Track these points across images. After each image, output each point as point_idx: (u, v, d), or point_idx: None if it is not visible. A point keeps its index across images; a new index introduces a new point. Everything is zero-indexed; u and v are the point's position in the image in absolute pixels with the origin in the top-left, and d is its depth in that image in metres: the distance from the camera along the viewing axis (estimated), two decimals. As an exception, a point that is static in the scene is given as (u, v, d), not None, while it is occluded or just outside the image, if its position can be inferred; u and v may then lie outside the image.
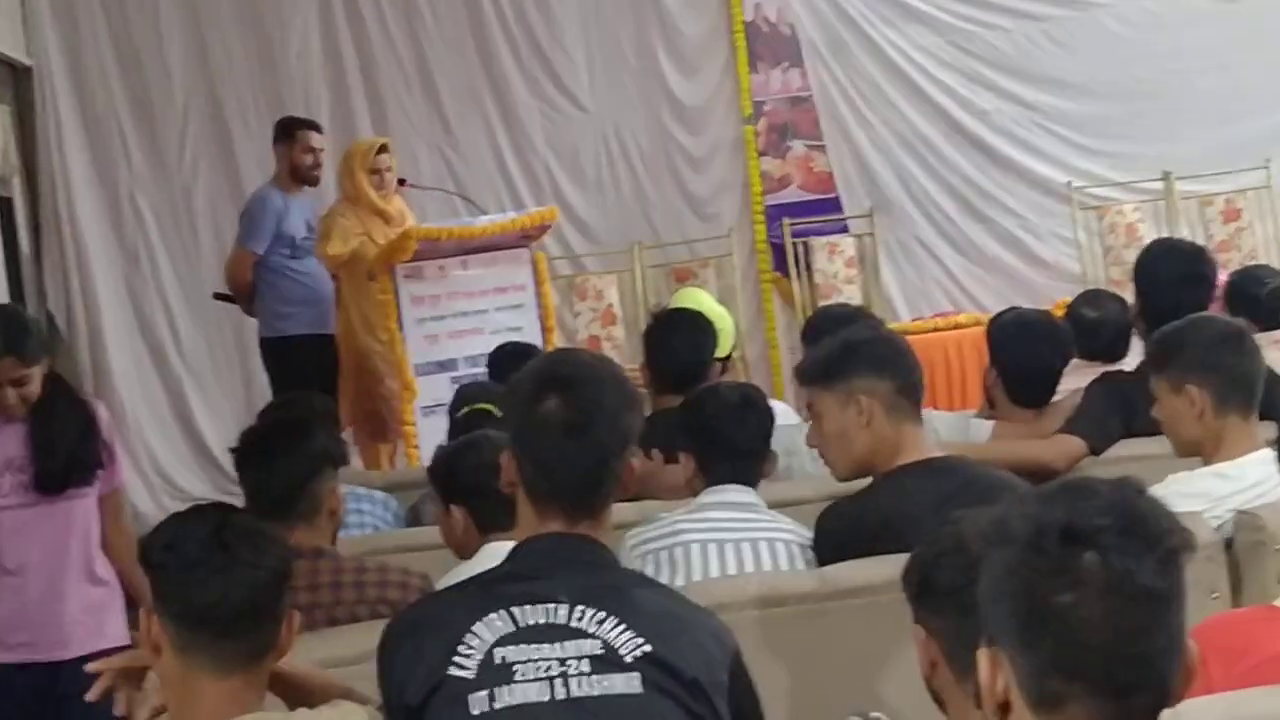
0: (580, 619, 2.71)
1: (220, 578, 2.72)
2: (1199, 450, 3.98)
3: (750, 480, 4.11)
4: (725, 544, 3.90)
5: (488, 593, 2.77)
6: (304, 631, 3.62)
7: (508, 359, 6.21)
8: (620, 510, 4.32)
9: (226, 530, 2.76)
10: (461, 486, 3.96)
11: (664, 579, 3.78)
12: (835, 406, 3.88)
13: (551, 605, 2.71)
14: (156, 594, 2.79)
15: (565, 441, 2.78)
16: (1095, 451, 4.88)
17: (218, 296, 9.43)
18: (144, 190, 10.42)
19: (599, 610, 2.71)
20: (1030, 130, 10.73)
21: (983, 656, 1.90)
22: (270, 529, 2.89)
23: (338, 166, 8.76)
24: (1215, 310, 5.45)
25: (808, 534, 4.00)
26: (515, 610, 2.71)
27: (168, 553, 2.78)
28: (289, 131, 8.71)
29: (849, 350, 3.95)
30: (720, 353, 5.71)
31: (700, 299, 6.86)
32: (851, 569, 3.75)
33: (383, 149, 8.59)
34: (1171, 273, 5.34)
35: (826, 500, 4.12)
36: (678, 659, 2.71)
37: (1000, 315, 5.64)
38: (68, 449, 5.01)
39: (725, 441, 4.14)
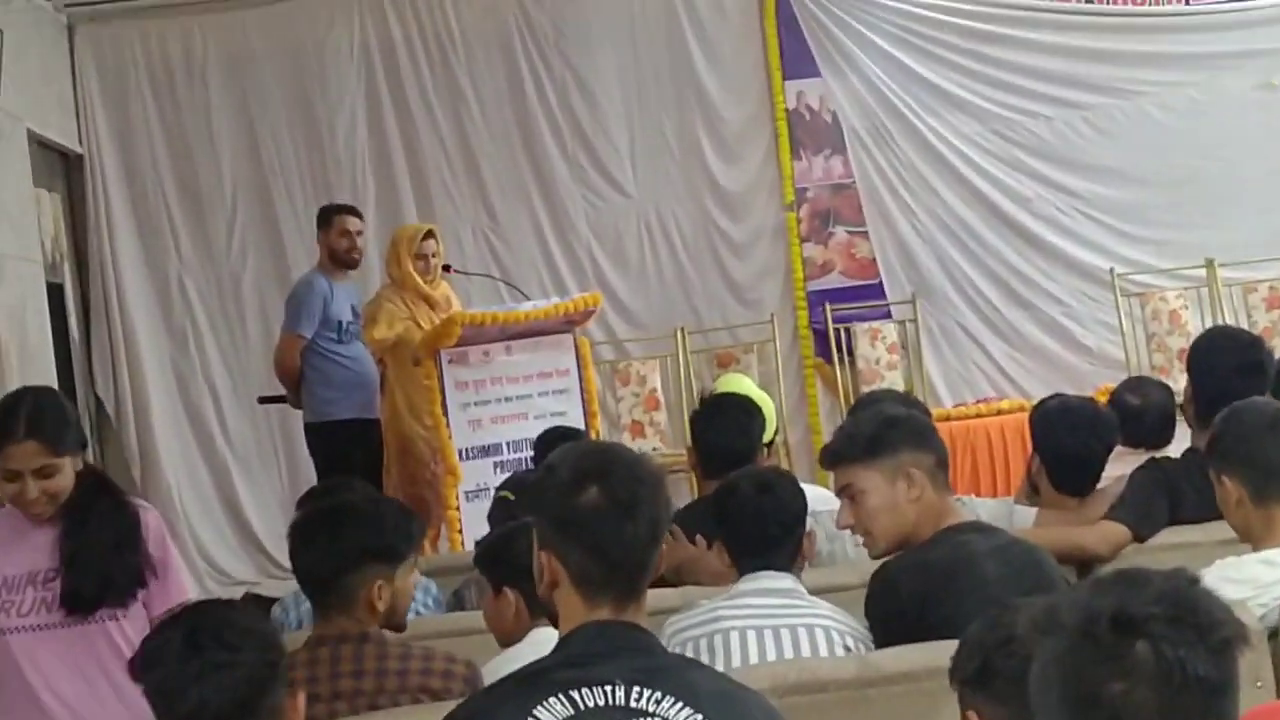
0: (639, 699, 2.70)
1: (196, 686, 2.73)
2: (1248, 537, 3.97)
3: (783, 565, 4.10)
4: (764, 630, 3.89)
5: (541, 680, 2.75)
6: (347, 716, 3.65)
7: (555, 443, 6.18)
8: (664, 596, 4.34)
9: (199, 633, 2.77)
10: (516, 568, 3.95)
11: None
12: (882, 482, 3.94)
13: (609, 687, 2.70)
14: (149, 702, 2.81)
15: (620, 522, 2.78)
16: (1140, 538, 4.87)
17: (264, 400, 9.49)
18: (192, 276, 10.51)
19: (657, 690, 2.71)
20: (1073, 217, 10.74)
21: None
22: (251, 617, 2.87)
23: (384, 252, 8.83)
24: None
25: (849, 620, 3.99)
26: (574, 693, 2.70)
27: (145, 668, 2.80)
28: (326, 217, 8.78)
29: (892, 425, 4.03)
30: (764, 439, 5.71)
31: (743, 384, 6.87)
32: (893, 656, 3.74)
33: (429, 235, 8.65)
34: (1227, 362, 5.29)
35: (860, 587, 4.13)
36: None
37: (1043, 402, 5.62)
38: (101, 561, 4.31)
39: (748, 530, 4.15)
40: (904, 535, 3.95)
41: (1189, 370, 5.37)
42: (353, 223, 8.75)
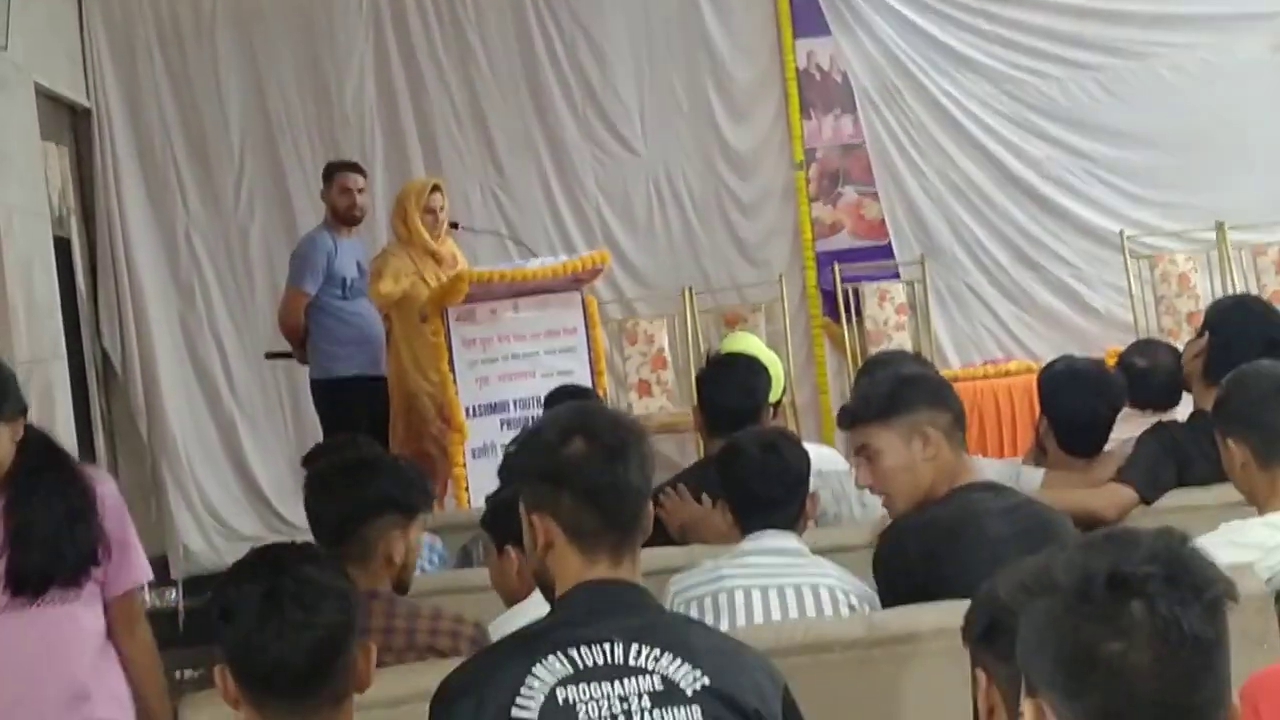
0: (638, 657, 2.74)
1: (277, 643, 2.74)
2: (1254, 500, 3.97)
3: (787, 524, 4.11)
4: (769, 589, 3.90)
5: (542, 639, 2.78)
6: None
7: (564, 400, 6.20)
8: (669, 555, 4.35)
9: (279, 591, 2.77)
10: (520, 528, 3.95)
11: (708, 624, 3.78)
12: (898, 441, 3.94)
13: (608, 645, 2.74)
14: (224, 655, 2.81)
15: (610, 467, 2.83)
16: (1147, 501, 4.87)
17: (270, 355, 9.51)
18: (200, 231, 10.50)
19: (655, 647, 2.74)
20: (1083, 179, 10.72)
21: (1028, 706, 1.90)
22: (329, 574, 2.87)
23: (391, 208, 8.83)
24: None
25: (853, 580, 4.01)
26: (572, 652, 2.73)
27: (225, 620, 2.79)
28: (328, 174, 8.82)
29: (908, 384, 4.06)
30: (770, 398, 5.71)
31: (751, 343, 6.86)
32: (899, 616, 3.76)
33: (435, 189, 8.64)
34: (1254, 333, 5.19)
35: (872, 546, 4.13)
36: (736, 691, 2.75)
37: (1051, 364, 5.62)
38: (50, 537, 3.92)
39: (752, 489, 4.16)
40: (922, 493, 3.95)
41: (1210, 331, 5.28)
42: (354, 180, 8.76)
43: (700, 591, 3.93)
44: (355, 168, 8.94)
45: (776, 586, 3.91)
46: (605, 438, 2.85)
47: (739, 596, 3.90)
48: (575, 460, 2.83)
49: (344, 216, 8.69)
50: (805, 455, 4.29)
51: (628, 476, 2.84)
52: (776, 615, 3.87)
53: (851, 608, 3.93)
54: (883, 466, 3.99)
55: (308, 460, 5.59)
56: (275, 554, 2.92)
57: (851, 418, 4.11)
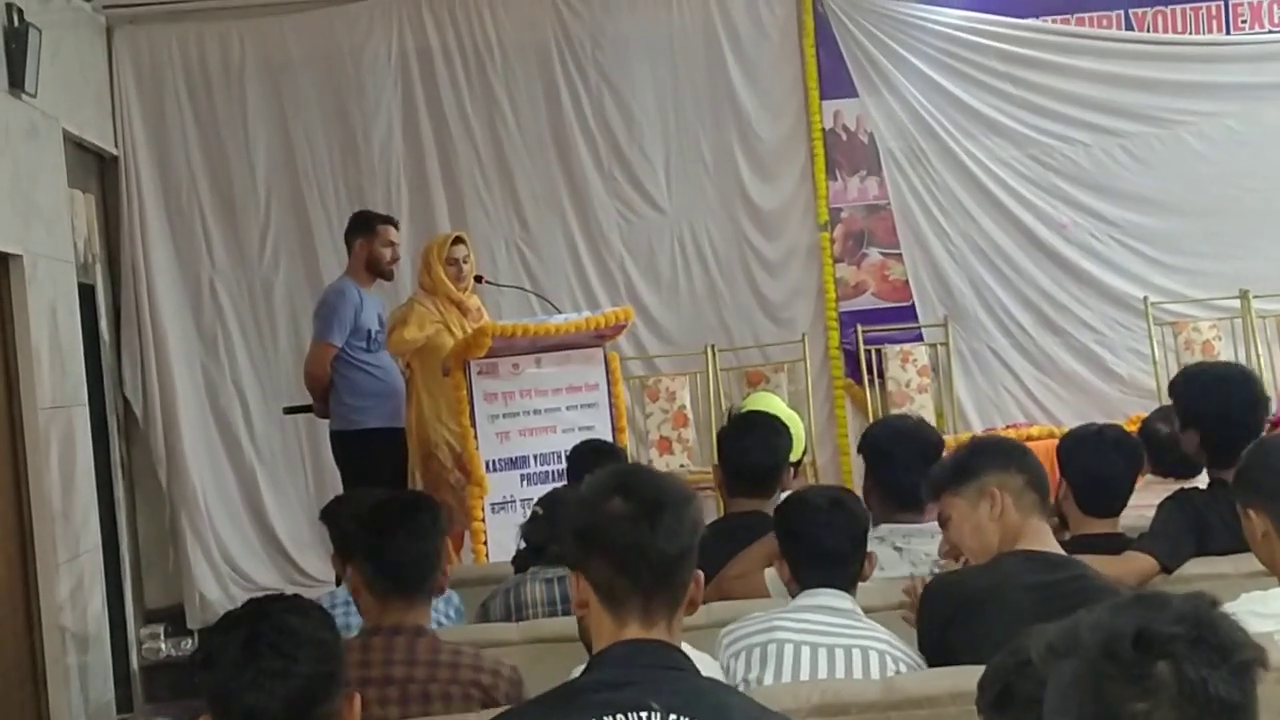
0: None
1: (253, 691, 2.76)
2: (1274, 570, 3.95)
3: (844, 584, 4.10)
4: (819, 647, 3.89)
5: (576, 702, 2.74)
6: (398, 703, 3.73)
7: (587, 456, 6.18)
8: (717, 609, 4.34)
9: (258, 639, 2.79)
10: None
11: (755, 674, 3.84)
12: (966, 506, 4.08)
13: (645, 714, 2.69)
14: (205, 702, 2.83)
15: (640, 530, 2.78)
16: (1167, 570, 4.84)
17: (289, 410, 9.50)
18: (224, 280, 10.53)
19: (692, 717, 2.69)
20: (1107, 244, 10.71)
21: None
22: (312, 624, 2.88)
23: (416, 261, 8.84)
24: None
25: (903, 645, 4.00)
26: (608, 719, 2.68)
27: (204, 667, 2.82)
28: (369, 225, 8.77)
29: (978, 450, 4.21)
30: (791, 458, 5.70)
31: (772, 404, 6.86)
32: (917, 679, 3.74)
33: (458, 240, 8.67)
34: (1236, 399, 5.19)
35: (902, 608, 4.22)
36: None
37: (1069, 433, 5.59)
38: None
39: (814, 546, 4.14)
40: (991, 552, 4.04)
41: (1189, 416, 5.26)
42: (394, 234, 8.78)
43: (753, 641, 3.92)
44: (394, 221, 8.96)
45: (828, 646, 3.90)
46: (639, 500, 2.80)
47: (789, 650, 3.89)
48: (605, 521, 2.81)
49: (383, 270, 8.69)
50: (867, 515, 4.30)
51: (656, 541, 2.78)
52: (824, 673, 3.86)
53: (899, 674, 3.90)
54: (955, 529, 4.13)
55: (328, 513, 5.59)
56: (260, 603, 2.95)
57: (933, 489, 4.27)
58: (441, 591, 4.16)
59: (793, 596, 4.14)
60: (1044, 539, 4.05)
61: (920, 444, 5.02)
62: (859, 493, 4.74)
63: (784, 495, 4.76)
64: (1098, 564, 4.80)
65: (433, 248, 8.64)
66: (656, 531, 2.78)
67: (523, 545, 5.36)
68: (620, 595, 2.80)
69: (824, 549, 4.12)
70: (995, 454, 4.15)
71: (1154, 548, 4.89)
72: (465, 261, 8.60)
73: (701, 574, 2.90)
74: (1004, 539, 4.01)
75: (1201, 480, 5.48)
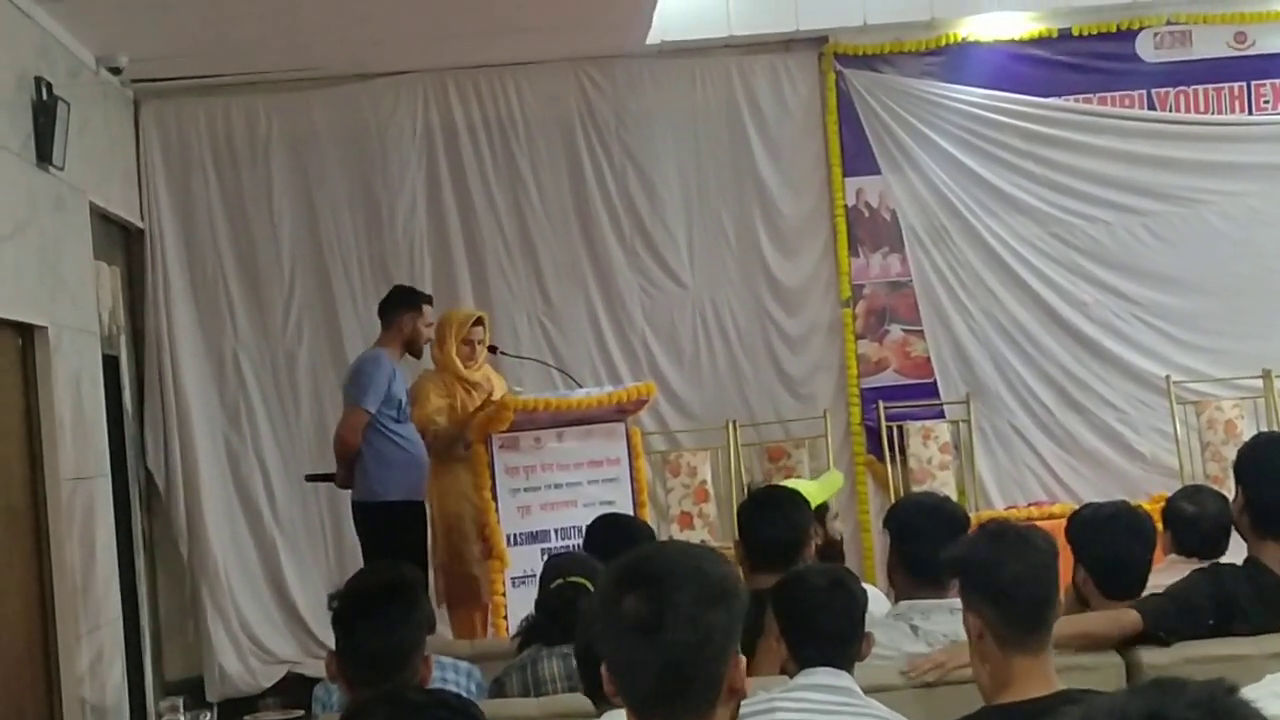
0: None
1: None
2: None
3: (842, 663, 4.07)
4: None
5: None
6: None
7: (604, 530, 6.19)
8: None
9: None
10: None
11: None
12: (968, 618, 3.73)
13: None
14: None
15: (639, 642, 2.55)
16: (1152, 629, 4.80)
17: (311, 478, 9.49)
18: (247, 353, 10.55)
19: None
20: (1129, 323, 10.71)
21: None
22: None
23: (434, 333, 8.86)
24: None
25: None
26: None
27: None
28: (415, 303, 8.76)
29: (960, 564, 3.78)
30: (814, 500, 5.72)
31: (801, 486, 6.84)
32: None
33: (479, 322, 8.70)
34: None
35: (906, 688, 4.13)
36: None
37: (1077, 513, 5.50)
38: None
39: (812, 625, 4.11)
40: (985, 689, 3.71)
41: (1239, 479, 5.25)
42: (433, 314, 8.80)
43: None
44: (432, 301, 8.98)
45: None
46: (649, 603, 2.55)
47: None
48: (614, 626, 2.60)
49: (418, 347, 8.71)
50: (865, 595, 4.27)
51: (662, 647, 2.54)
52: (820, 751, 3.82)
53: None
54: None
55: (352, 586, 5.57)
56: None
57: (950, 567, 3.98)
58: (424, 684, 3.95)
59: (790, 676, 4.12)
60: (1038, 679, 3.62)
61: (946, 520, 4.98)
62: (883, 570, 4.70)
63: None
64: (1079, 620, 4.77)
65: (452, 324, 8.66)
66: (658, 643, 2.55)
67: (532, 616, 5.37)
68: (634, 702, 2.62)
69: (823, 629, 4.10)
70: (975, 578, 3.69)
71: (1147, 605, 4.86)
72: (481, 343, 8.64)
73: (743, 658, 2.64)
74: (993, 681, 3.65)
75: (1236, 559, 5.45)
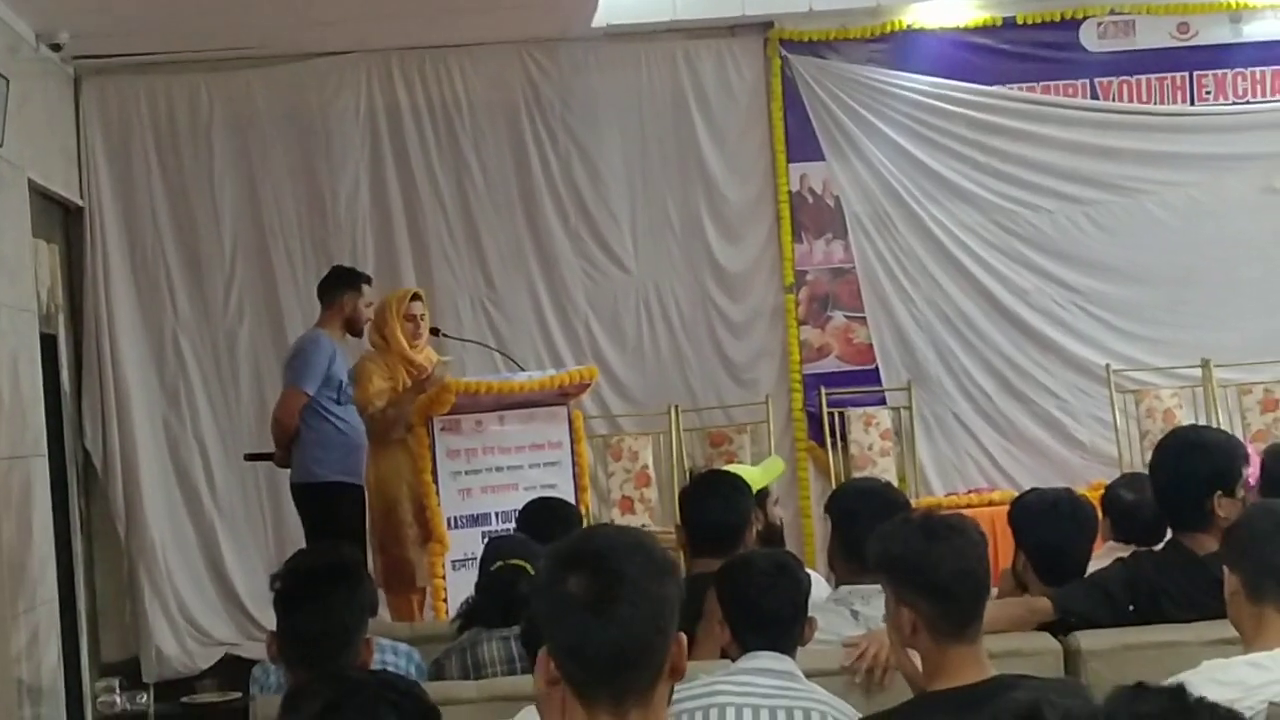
0: None
1: None
2: (1239, 632, 3.97)
3: (785, 647, 4.08)
4: (760, 709, 3.87)
5: None
6: None
7: (538, 513, 6.22)
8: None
9: None
10: None
11: None
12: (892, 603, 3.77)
13: None
14: None
15: (591, 620, 2.56)
16: (1061, 614, 4.87)
17: (250, 457, 9.47)
18: (187, 333, 10.48)
19: None
20: (1070, 311, 10.76)
21: None
22: None
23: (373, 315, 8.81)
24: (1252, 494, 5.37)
25: (844, 706, 3.97)
26: None
27: None
28: (355, 283, 8.80)
29: (890, 560, 3.78)
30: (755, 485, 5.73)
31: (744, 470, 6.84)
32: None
33: (416, 297, 8.67)
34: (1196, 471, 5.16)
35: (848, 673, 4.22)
36: None
37: (1021, 497, 5.54)
38: None
39: (756, 609, 4.12)
40: (913, 675, 3.79)
41: (1151, 473, 5.22)
42: (372, 293, 8.79)
43: (693, 705, 3.89)
44: (371, 281, 8.98)
45: (769, 707, 3.87)
46: (597, 581, 2.57)
47: (730, 712, 3.86)
48: (561, 607, 2.60)
49: (359, 327, 8.71)
50: (809, 580, 4.29)
51: (617, 623, 2.56)
52: (766, 734, 3.83)
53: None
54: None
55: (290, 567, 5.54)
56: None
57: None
58: (365, 666, 3.94)
59: (733, 659, 4.12)
60: (971, 667, 3.64)
61: (887, 505, 4.99)
62: (824, 555, 4.71)
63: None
64: (998, 605, 4.80)
65: (391, 303, 8.61)
66: (613, 618, 2.57)
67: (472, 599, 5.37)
68: (580, 683, 2.61)
69: (768, 613, 4.11)
70: (904, 570, 3.70)
71: (1058, 594, 4.91)
72: (422, 318, 8.59)
73: (684, 636, 2.68)
74: (926, 666, 3.70)
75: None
